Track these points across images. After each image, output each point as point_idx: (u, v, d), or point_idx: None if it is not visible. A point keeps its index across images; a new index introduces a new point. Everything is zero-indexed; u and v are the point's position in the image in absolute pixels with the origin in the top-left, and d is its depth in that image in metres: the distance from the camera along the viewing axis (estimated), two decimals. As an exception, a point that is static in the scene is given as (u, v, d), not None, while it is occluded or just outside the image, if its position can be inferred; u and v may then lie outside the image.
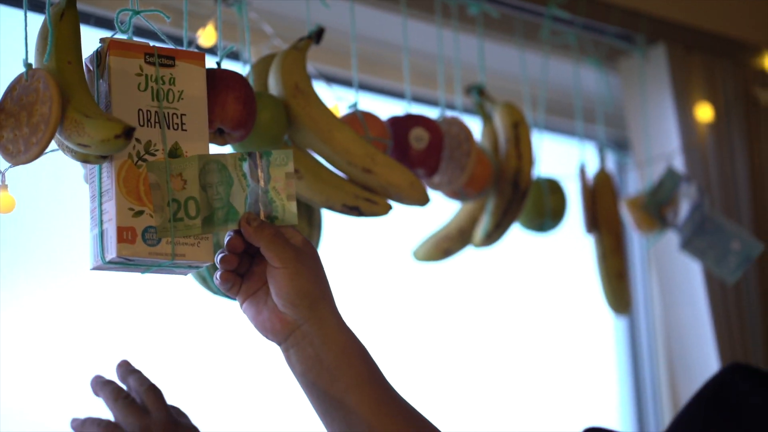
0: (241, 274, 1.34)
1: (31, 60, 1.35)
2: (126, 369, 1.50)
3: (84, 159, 1.33)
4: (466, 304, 2.44)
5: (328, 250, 1.82)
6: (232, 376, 2.09)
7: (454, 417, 2.32)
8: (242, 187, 1.35)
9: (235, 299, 1.36)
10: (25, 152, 1.29)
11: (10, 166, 1.36)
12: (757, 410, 1.05)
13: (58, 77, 1.30)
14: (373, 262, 2.30)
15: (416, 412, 1.33)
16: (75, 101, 1.29)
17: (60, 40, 1.33)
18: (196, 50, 1.47)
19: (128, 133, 1.26)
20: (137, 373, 1.48)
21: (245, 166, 1.36)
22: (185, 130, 1.39)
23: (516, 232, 2.13)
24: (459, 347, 2.41)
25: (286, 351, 1.32)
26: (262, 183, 1.36)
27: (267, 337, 1.33)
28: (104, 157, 1.31)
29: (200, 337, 2.06)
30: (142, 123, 1.35)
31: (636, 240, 2.71)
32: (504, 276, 2.49)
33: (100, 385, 1.46)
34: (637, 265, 2.74)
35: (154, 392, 1.45)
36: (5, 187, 1.38)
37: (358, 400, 1.29)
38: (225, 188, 1.36)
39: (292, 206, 1.36)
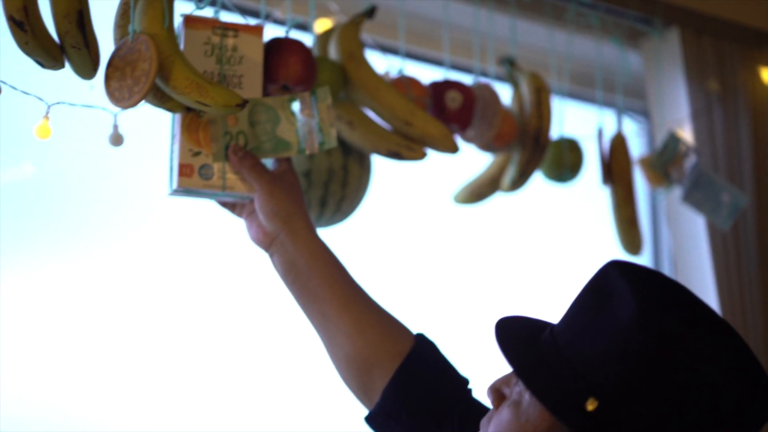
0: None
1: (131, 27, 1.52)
2: None
3: (170, 108, 1.53)
4: (498, 242, 2.64)
5: (382, 193, 2.03)
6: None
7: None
8: (290, 122, 1.58)
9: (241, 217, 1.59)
10: (129, 98, 1.48)
11: (56, 103, 1.53)
12: (620, 295, 1.18)
13: (156, 41, 1.48)
14: (421, 204, 2.52)
15: (379, 306, 1.53)
16: (189, 66, 1.48)
17: (157, 10, 1.50)
18: (256, 23, 1.67)
19: (245, 104, 1.47)
20: None
21: (294, 105, 1.58)
22: (242, 88, 1.60)
23: (542, 184, 2.34)
24: (489, 280, 2.61)
25: (271, 257, 1.55)
26: (313, 116, 1.58)
27: (257, 245, 1.55)
28: (189, 109, 1.53)
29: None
30: None
31: (648, 193, 2.90)
32: (535, 220, 2.69)
33: None
34: (648, 214, 2.94)
35: None
36: (47, 118, 1.54)
37: (329, 295, 1.50)
38: (272, 125, 1.58)
39: (333, 131, 1.58)
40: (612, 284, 1.20)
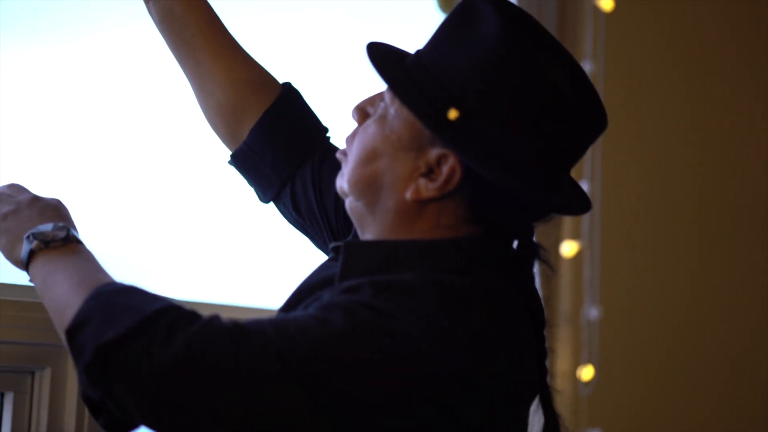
0: None
1: None
2: None
3: None
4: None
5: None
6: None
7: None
8: None
9: None
10: None
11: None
12: (484, 16, 1.22)
13: None
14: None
15: (251, 57, 1.53)
16: None
17: None
18: None
19: None
20: None
21: None
22: None
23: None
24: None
25: (146, 3, 1.51)
26: None
27: None
28: None
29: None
30: None
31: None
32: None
33: None
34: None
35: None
36: None
37: (203, 43, 1.49)
38: None
39: None
40: (477, 7, 1.23)
